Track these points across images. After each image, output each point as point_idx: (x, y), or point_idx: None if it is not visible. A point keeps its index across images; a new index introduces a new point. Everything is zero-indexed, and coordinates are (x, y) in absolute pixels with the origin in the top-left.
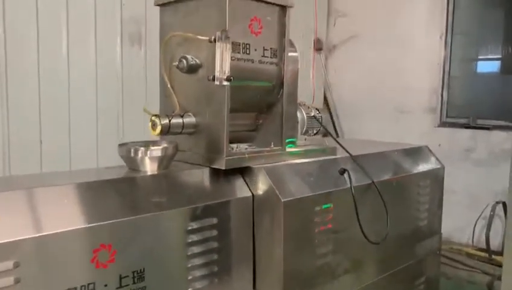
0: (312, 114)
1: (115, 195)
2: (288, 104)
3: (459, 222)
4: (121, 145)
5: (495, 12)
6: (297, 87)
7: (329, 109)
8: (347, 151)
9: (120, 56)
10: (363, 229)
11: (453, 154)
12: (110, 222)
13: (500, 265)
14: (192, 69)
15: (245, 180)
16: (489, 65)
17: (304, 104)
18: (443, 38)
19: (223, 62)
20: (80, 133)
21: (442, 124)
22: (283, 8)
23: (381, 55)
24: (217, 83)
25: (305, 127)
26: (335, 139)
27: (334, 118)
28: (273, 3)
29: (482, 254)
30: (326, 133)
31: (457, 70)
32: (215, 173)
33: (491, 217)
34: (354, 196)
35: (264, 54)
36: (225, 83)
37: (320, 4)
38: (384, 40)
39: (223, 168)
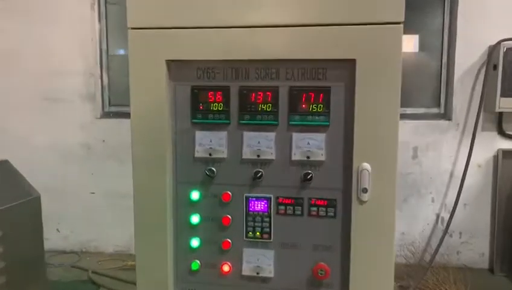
0: None
1: None
2: None
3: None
4: None
5: None
6: None
7: None
8: None
9: None
10: None
11: (121, 151)
12: None
13: None
14: None
15: None
16: None
17: None
18: (96, 8)
19: None
20: None
21: (106, 115)
22: None
23: (20, 29)
24: None
25: None
26: None
27: None
28: None
29: None
30: None
31: (119, 48)
32: None
33: None
34: None
35: None
36: None
37: None
38: (23, 9)
39: None
